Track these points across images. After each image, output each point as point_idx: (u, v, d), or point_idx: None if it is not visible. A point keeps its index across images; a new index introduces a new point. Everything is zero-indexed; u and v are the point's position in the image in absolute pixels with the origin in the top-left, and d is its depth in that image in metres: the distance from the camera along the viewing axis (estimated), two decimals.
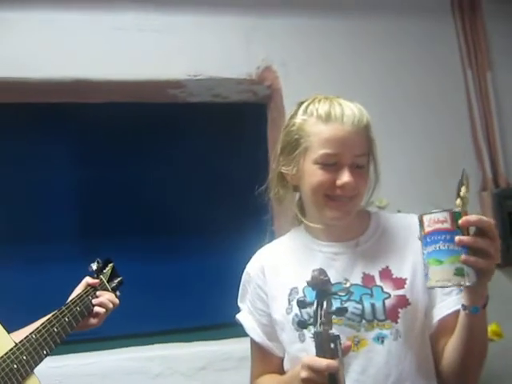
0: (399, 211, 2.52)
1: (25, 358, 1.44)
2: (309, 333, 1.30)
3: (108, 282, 1.83)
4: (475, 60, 3.01)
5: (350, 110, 1.36)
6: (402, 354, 1.33)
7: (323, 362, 1.11)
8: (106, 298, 1.73)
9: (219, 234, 2.88)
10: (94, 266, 1.81)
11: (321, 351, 1.12)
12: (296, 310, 1.37)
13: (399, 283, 1.36)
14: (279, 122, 2.75)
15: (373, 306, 1.33)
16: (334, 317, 1.19)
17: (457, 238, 1.12)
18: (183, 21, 2.67)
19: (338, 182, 1.33)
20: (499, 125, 2.97)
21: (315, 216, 1.44)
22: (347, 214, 1.39)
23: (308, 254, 1.46)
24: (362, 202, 1.45)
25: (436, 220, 1.14)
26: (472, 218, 1.13)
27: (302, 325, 1.21)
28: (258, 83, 2.73)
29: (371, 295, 1.34)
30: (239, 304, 1.60)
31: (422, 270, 1.35)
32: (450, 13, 3.01)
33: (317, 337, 1.13)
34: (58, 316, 1.60)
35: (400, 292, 1.34)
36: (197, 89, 2.72)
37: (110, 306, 1.73)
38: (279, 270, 1.48)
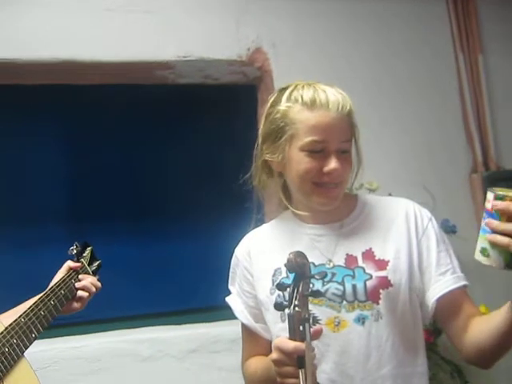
0: (390, 194, 2.54)
1: (15, 341, 1.44)
2: (284, 315, 1.30)
3: (88, 265, 1.82)
4: (467, 44, 3.00)
5: (334, 96, 1.35)
6: (383, 336, 1.34)
7: (290, 344, 1.12)
8: (89, 281, 1.72)
9: (210, 217, 2.87)
10: (74, 250, 1.80)
11: (292, 333, 1.13)
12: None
13: (381, 264, 1.36)
14: None
15: (354, 286, 1.34)
16: (311, 298, 1.19)
17: (487, 219, 1.15)
18: (173, 2, 2.64)
19: (325, 169, 1.33)
20: (490, 108, 2.98)
21: (301, 202, 1.44)
22: (334, 199, 1.39)
23: (293, 236, 1.46)
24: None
25: (488, 199, 1.17)
26: (501, 204, 1.13)
27: (278, 307, 1.19)
28: (249, 64, 2.71)
29: (353, 276, 1.35)
30: (229, 287, 1.60)
31: (407, 252, 1.38)
32: None
33: (289, 319, 1.14)
34: (44, 299, 1.59)
35: (382, 273, 1.35)
36: (186, 70, 2.69)
37: (93, 289, 1.72)
38: (265, 253, 1.50)
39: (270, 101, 1.47)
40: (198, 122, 2.94)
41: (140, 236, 2.78)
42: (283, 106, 1.39)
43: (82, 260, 1.80)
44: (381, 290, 1.33)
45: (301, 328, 1.12)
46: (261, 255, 1.50)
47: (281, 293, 1.33)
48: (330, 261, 1.38)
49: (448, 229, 2.59)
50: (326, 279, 1.34)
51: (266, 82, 2.76)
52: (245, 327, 1.56)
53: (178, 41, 2.61)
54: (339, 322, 1.33)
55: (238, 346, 2.53)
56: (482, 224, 1.16)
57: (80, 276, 1.73)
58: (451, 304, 1.37)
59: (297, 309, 1.13)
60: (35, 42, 2.44)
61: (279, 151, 1.39)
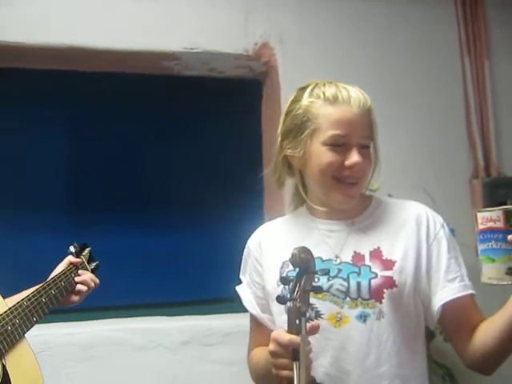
0: (390, 195, 2.54)
1: (17, 321, 1.52)
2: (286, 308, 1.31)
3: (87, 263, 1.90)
4: (474, 48, 2.99)
5: (356, 93, 1.39)
6: (383, 335, 1.35)
7: (286, 337, 1.14)
8: (88, 276, 1.80)
9: (209, 211, 2.87)
10: (73, 249, 1.86)
11: (290, 327, 1.16)
12: None
13: (388, 264, 1.37)
14: (274, 99, 2.74)
15: (358, 284, 1.35)
16: (315, 294, 1.21)
17: (510, 236, 1.13)
18: None
19: (347, 163, 1.35)
20: (494, 114, 2.97)
21: (319, 198, 1.46)
22: (352, 197, 1.41)
23: (305, 230, 1.48)
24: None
25: (489, 218, 1.15)
26: None
27: (279, 300, 1.21)
28: (255, 59, 2.71)
29: (358, 274, 1.36)
30: (240, 277, 1.62)
31: (415, 255, 1.39)
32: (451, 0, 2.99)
33: (288, 312, 1.17)
34: (45, 287, 1.66)
35: (387, 273, 1.36)
36: (192, 62, 2.69)
37: (92, 284, 1.79)
38: (275, 245, 1.51)
39: (291, 99, 1.48)
40: (202, 114, 2.94)
41: (140, 227, 2.78)
42: (305, 101, 1.41)
43: (82, 257, 1.86)
44: (385, 290, 1.34)
45: (297, 322, 1.14)
46: (271, 247, 1.52)
47: (286, 286, 1.33)
48: (337, 257, 1.40)
49: None
50: (331, 274, 1.36)
51: (271, 77, 2.76)
52: (252, 317, 1.58)
53: (185, 32, 2.60)
54: (341, 318, 1.35)
55: (231, 339, 2.56)
56: (496, 246, 1.14)
57: (80, 271, 1.80)
58: (457, 311, 1.38)
59: (296, 303, 1.15)
60: (43, 27, 2.44)
61: (301, 146, 1.40)
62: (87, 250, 1.92)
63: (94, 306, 2.49)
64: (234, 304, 2.93)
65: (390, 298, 1.34)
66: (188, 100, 2.89)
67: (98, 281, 1.82)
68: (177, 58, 2.64)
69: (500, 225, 1.14)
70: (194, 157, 2.94)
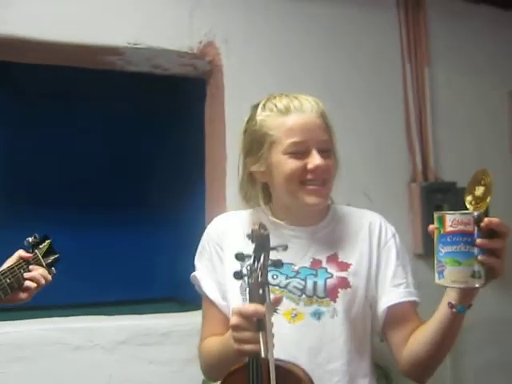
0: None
1: None
2: (245, 284, 1.34)
3: (43, 257, 1.79)
4: (415, 54, 3.06)
5: (306, 100, 1.44)
6: (336, 333, 1.41)
7: (251, 307, 1.17)
8: (39, 272, 1.70)
9: (150, 211, 2.86)
10: (30, 240, 1.77)
11: (252, 298, 1.18)
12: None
13: (344, 266, 1.45)
14: (218, 99, 2.73)
15: (315, 283, 1.42)
16: (273, 288, 1.31)
17: (479, 240, 1.15)
18: None
19: (310, 166, 1.39)
20: (432, 120, 3.05)
21: (285, 207, 1.50)
22: (323, 197, 1.45)
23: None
24: None
25: (460, 221, 1.16)
26: (494, 221, 1.16)
27: (236, 276, 1.23)
28: (199, 58, 2.69)
29: (315, 275, 1.43)
30: (196, 263, 1.61)
31: (367, 260, 1.46)
32: (394, 4, 3.05)
33: (249, 285, 1.19)
34: None
35: (343, 274, 1.43)
36: (135, 58, 2.65)
37: (42, 281, 1.70)
38: (237, 239, 1.51)
39: (246, 118, 1.54)
40: (145, 111, 2.91)
41: (77, 225, 2.73)
42: (260, 116, 1.46)
43: (37, 251, 1.77)
44: (339, 289, 1.42)
45: (260, 291, 1.17)
46: (233, 237, 1.53)
47: (241, 262, 1.33)
48: (295, 265, 1.46)
49: None
50: (290, 275, 1.43)
51: (215, 76, 2.75)
52: (210, 304, 1.57)
53: (129, 27, 2.56)
54: (296, 314, 1.41)
55: (169, 339, 2.54)
56: (464, 249, 1.15)
57: (30, 267, 1.71)
58: (399, 315, 1.44)
59: (257, 275, 1.18)
60: None
61: (262, 160, 1.45)
62: (46, 243, 1.82)
63: (28, 305, 2.43)
64: (171, 304, 2.94)
65: (344, 297, 1.42)
66: (130, 96, 2.86)
67: (49, 277, 1.72)
68: (119, 53, 2.59)
69: (470, 228, 1.16)
70: (135, 155, 2.91)
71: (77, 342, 2.46)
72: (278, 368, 1.17)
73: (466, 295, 1.25)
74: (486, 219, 1.16)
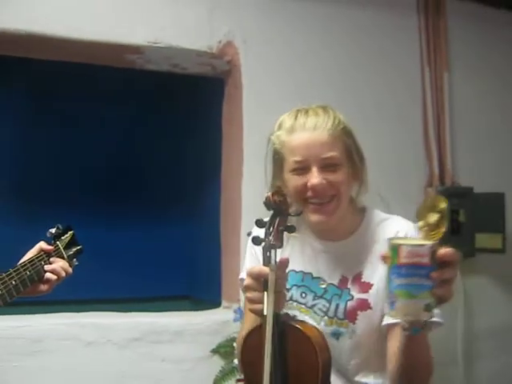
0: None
1: None
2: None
3: (65, 249, 1.76)
4: (434, 59, 3.05)
5: (314, 117, 1.44)
6: (353, 352, 1.44)
7: (256, 268, 1.26)
8: (59, 265, 1.67)
9: (166, 209, 2.86)
10: (53, 231, 1.74)
11: (264, 262, 1.25)
12: None
13: (365, 287, 1.44)
14: (236, 98, 2.73)
15: (337, 305, 1.44)
16: (299, 306, 1.41)
17: (434, 273, 1.10)
18: None
19: (308, 184, 1.40)
20: (450, 125, 3.03)
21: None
22: (329, 214, 1.43)
23: (300, 242, 1.53)
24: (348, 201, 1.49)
25: (415, 253, 1.10)
26: (449, 252, 1.12)
27: (255, 241, 1.29)
28: (218, 57, 2.70)
29: (340, 296, 1.45)
30: (243, 265, 1.63)
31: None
32: (414, 9, 3.04)
33: (263, 249, 1.26)
34: (3, 278, 1.55)
35: (363, 296, 1.43)
36: (155, 56, 2.66)
37: (63, 274, 1.67)
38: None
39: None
40: (164, 110, 2.92)
41: (94, 221, 2.74)
42: (275, 134, 1.48)
43: (58, 243, 1.75)
44: (358, 312, 1.43)
45: (268, 254, 1.24)
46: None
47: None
48: (324, 281, 1.48)
49: None
50: (318, 294, 1.46)
51: (234, 76, 2.75)
52: None
53: (150, 26, 2.58)
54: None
55: (181, 338, 2.55)
56: (419, 282, 1.10)
57: (51, 259, 1.68)
58: (393, 334, 1.39)
59: (270, 239, 1.25)
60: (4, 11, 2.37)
61: (281, 176, 1.48)
62: (69, 234, 1.79)
63: (44, 300, 2.45)
64: (185, 302, 2.95)
65: (363, 319, 1.42)
66: (148, 95, 2.87)
67: (70, 270, 1.69)
68: (140, 51, 2.61)
69: (426, 260, 1.09)
70: (152, 153, 2.92)
71: (90, 337, 2.48)
72: (289, 326, 1.29)
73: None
74: (441, 252, 1.11)
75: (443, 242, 1.13)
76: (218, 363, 2.53)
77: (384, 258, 1.15)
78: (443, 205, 1.15)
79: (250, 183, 2.62)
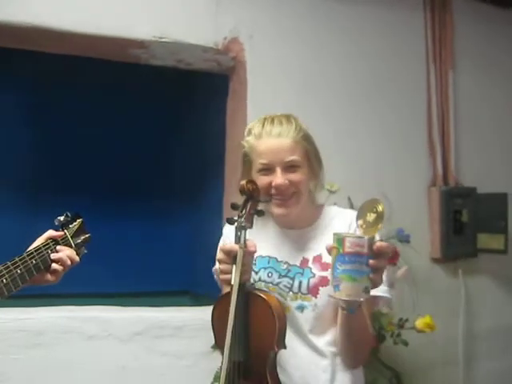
0: (349, 198, 2.57)
1: None
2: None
3: (73, 237, 1.73)
4: (439, 57, 3.04)
5: (279, 126, 1.65)
6: (315, 322, 1.65)
7: (227, 246, 1.50)
8: (66, 253, 1.63)
9: (169, 204, 2.86)
10: (62, 219, 1.71)
11: (235, 240, 1.48)
12: None
13: (325, 266, 1.63)
14: (240, 95, 2.73)
15: (300, 282, 1.66)
16: (268, 285, 1.63)
17: (372, 261, 1.36)
18: None
19: (273, 184, 1.62)
20: (455, 124, 3.03)
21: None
22: (288, 208, 1.66)
23: (270, 231, 1.76)
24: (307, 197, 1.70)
25: (357, 244, 1.36)
26: (384, 245, 1.39)
27: (229, 221, 1.52)
28: (223, 53, 2.70)
29: (302, 274, 1.67)
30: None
31: None
32: (421, 6, 3.04)
33: (235, 230, 1.48)
34: (9, 267, 1.51)
35: (324, 273, 1.63)
36: (160, 51, 2.66)
37: (68, 262, 1.62)
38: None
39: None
40: (168, 105, 2.92)
41: (96, 215, 2.74)
42: (246, 139, 1.70)
43: (66, 231, 1.71)
44: (320, 287, 1.64)
45: (238, 234, 1.47)
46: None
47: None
48: (288, 263, 1.70)
49: (402, 238, 2.63)
50: (282, 274, 1.68)
51: (238, 72, 2.75)
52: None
53: (155, 21, 2.58)
54: (285, 307, 1.65)
55: (183, 333, 2.55)
56: (359, 268, 1.35)
57: (58, 247, 1.64)
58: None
59: (242, 221, 1.48)
60: (4, 4, 2.37)
61: (250, 175, 1.68)
62: (77, 222, 1.76)
63: (45, 293, 2.46)
64: (186, 297, 2.96)
65: (324, 294, 1.62)
66: (153, 90, 2.87)
67: (77, 258, 1.65)
68: (145, 46, 2.61)
69: (365, 250, 1.35)
70: (156, 148, 2.92)
71: (92, 331, 2.49)
72: (253, 294, 1.55)
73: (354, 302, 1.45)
74: (377, 243, 1.38)
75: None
76: (218, 358, 2.52)
77: (330, 249, 1.42)
78: (380, 207, 1.38)
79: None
